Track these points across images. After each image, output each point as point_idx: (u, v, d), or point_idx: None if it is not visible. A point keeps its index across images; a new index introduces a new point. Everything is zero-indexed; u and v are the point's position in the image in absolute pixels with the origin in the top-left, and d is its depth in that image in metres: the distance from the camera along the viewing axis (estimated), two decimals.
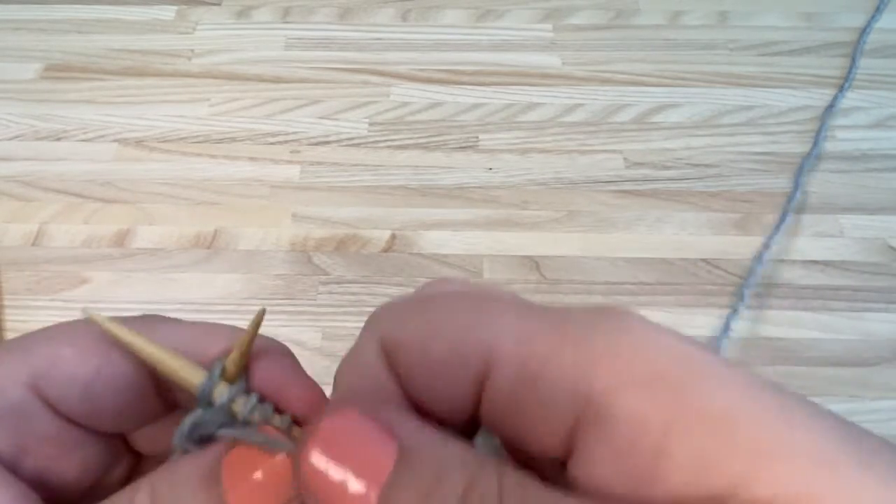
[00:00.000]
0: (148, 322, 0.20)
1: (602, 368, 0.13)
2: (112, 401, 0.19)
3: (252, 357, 0.19)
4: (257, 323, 0.18)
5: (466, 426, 0.16)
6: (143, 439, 0.21)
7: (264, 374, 0.19)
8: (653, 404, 0.13)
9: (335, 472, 0.14)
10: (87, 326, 0.19)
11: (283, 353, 0.20)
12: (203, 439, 0.18)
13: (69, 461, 0.19)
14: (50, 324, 0.20)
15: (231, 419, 0.18)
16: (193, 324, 0.20)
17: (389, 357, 0.16)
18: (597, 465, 0.13)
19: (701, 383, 0.13)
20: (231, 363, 0.18)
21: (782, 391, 0.13)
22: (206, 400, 0.18)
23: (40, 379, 0.18)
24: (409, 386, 0.16)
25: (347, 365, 0.17)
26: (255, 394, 0.19)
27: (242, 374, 0.19)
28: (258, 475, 0.16)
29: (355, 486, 0.13)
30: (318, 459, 0.14)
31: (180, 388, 0.19)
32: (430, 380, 0.15)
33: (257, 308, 0.20)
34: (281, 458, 0.16)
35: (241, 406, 0.18)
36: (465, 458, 0.13)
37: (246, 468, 0.16)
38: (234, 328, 0.20)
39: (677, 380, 0.13)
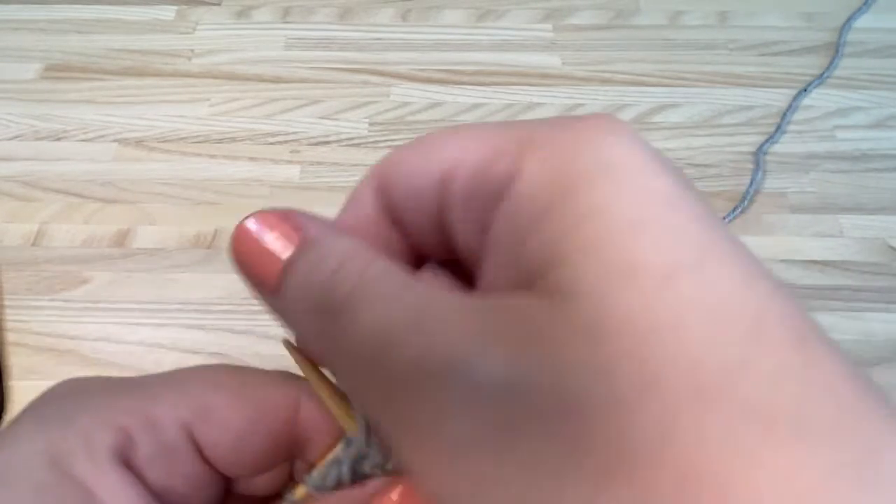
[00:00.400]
0: (298, 384, 0.21)
1: (523, 162, 0.15)
2: (256, 451, 0.19)
3: None
4: None
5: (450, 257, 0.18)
6: (243, 486, 0.21)
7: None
8: (537, 193, 0.14)
9: (266, 236, 0.17)
10: (242, 375, 0.20)
11: None
12: (336, 485, 0.19)
13: (197, 500, 0.19)
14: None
15: (374, 466, 0.19)
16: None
17: (380, 182, 0.18)
18: (490, 242, 0.15)
19: (597, 192, 0.14)
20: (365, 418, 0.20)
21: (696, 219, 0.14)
22: (358, 444, 0.19)
23: (195, 423, 0.19)
24: (395, 209, 0.18)
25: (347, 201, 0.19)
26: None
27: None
28: None
29: (277, 245, 0.17)
30: (252, 224, 0.18)
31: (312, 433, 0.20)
32: (406, 186, 0.17)
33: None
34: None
35: (386, 456, 0.19)
36: (346, 248, 0.16)
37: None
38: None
39: (579, 182, 0.14)
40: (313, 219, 0.18)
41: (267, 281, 0.17)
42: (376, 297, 0.14)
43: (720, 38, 0.66)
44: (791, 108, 0.59)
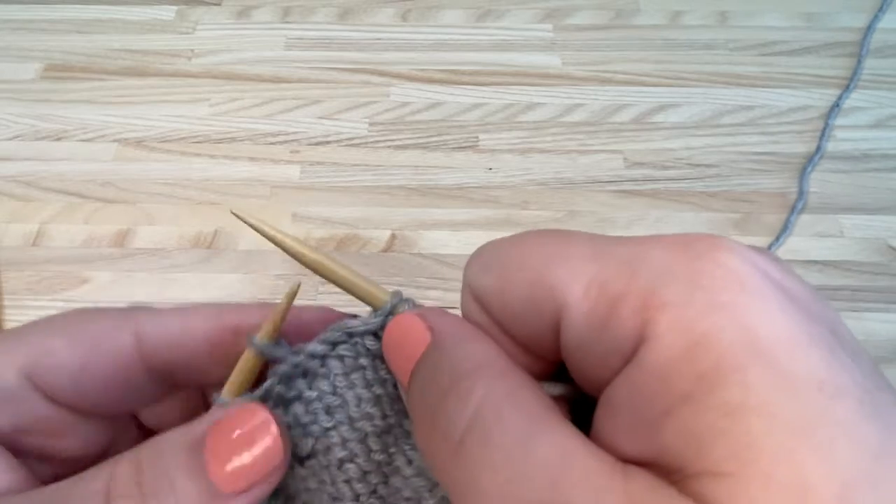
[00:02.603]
0: (136, 314, 0.21)
1: (655, 324, 0.13)
2: (99, 388, 0.20)
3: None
4: (291, 296, 0.20)
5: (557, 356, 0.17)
6: (151, 416, 0.22)
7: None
8: (678, 367, 0.13)
9: (416, 322, 0.17)
10: (80, 317, 0.20)
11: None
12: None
13: (68, 440, 0.20)
14: None
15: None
16: (175, 311, 0.21)
17: (479, 302, 0.17)
18: (616, 400, 0.14)
19: (747, 383, 0.12)
20: (268, 330, 0.20)
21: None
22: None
23: (33, 367, 0.19)
24: (500, 325, 0.17)
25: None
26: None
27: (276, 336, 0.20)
28: (243, 457, 0.17)
29: (425, 332, 0.17)
30: (406, 316, 0.18)
31: (186, 369, 0.20)
32: (511, 324, 0.17)
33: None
34: (268, 441, 0.18)
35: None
36: (466, 357, 0.16)
37: (231, 446, 0.17)
38: (208, 308, 0.21)
39: (723, 367, 0.12)
40: (452, 321, 0.18)
41: (404, 377, 0.17)
42: (497, 451, 0.14)
43: (720, 38, 0.66)
44: (834, 110, 0.59)
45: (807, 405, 0.12)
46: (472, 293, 0.18)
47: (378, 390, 0.20)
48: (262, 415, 0.18)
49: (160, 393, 0.21)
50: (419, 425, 0.16)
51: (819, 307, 0.14)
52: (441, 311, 0.18)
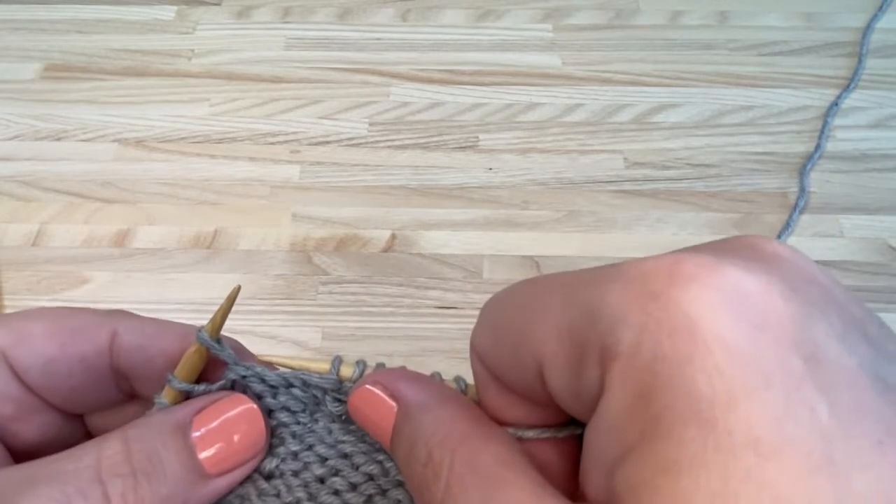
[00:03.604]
0: (117, 315, 0.22)
1: (609, 377, 0.14)
2: (68, 378, 0.21)
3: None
4: (231, 299, 0.21)
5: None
6: (99, 426, 0.23)
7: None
8: (626, 420, 0.13)
9: (379, 394, 0.19)
10: (62, 310, 0.21)
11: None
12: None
13: (27, 424, 0.21)
14: None
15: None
16: (154, 320, 0.22)
17: (480, 360, 0.18)
18: (586, 443, 0.15)
19: (678, 445, 0.12)
20: (209, 328, 0.21)
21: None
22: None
23: (10, 348, 0.20)
24: (500, 380, 0.18)
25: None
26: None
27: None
28: (230, 440, 0.19)
29: (390, 403, 0.18)
30: (371, 386, 0.19)
31: (145, 380, 0.21)
32: (508, 380, 0.18)
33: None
34: (253, 427, 0.19)
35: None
36: (433, 429, 0.17)
37: (218, 430, 0.19)
38: (185, 326, 0.22)
39: (661, 428, 0.13)
40: (412, 387, 0.19)
41: (383, 440, 0.19)
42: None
43: (720, 38, 0.66)
44: (833, 109, 0.59)
45: (736, 466, 0.12)
46: (474, 351, 0.18)
47: (351, 426, 0.21)
48: (247, 403, 0.20)
49: (116, 399, 0.22)
50: (411, 490, 0.18)
51: (796, 328, 0.13)
52: (399, 373, 0.19)
